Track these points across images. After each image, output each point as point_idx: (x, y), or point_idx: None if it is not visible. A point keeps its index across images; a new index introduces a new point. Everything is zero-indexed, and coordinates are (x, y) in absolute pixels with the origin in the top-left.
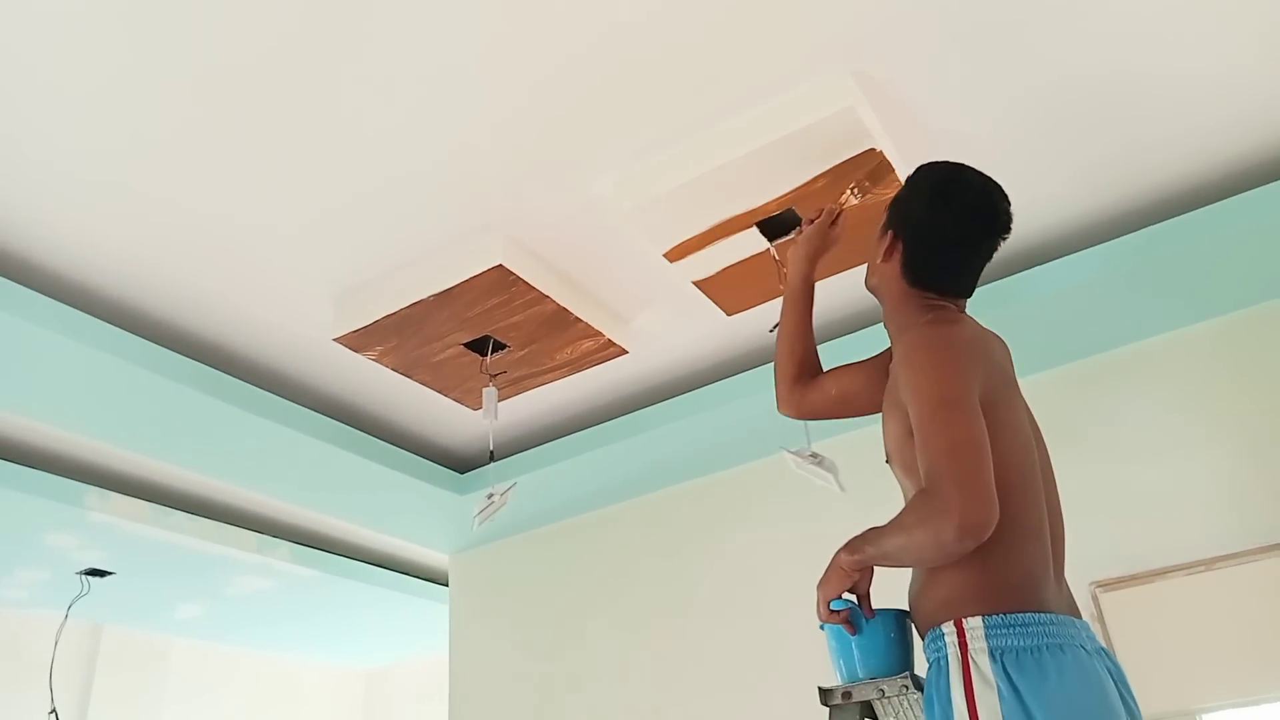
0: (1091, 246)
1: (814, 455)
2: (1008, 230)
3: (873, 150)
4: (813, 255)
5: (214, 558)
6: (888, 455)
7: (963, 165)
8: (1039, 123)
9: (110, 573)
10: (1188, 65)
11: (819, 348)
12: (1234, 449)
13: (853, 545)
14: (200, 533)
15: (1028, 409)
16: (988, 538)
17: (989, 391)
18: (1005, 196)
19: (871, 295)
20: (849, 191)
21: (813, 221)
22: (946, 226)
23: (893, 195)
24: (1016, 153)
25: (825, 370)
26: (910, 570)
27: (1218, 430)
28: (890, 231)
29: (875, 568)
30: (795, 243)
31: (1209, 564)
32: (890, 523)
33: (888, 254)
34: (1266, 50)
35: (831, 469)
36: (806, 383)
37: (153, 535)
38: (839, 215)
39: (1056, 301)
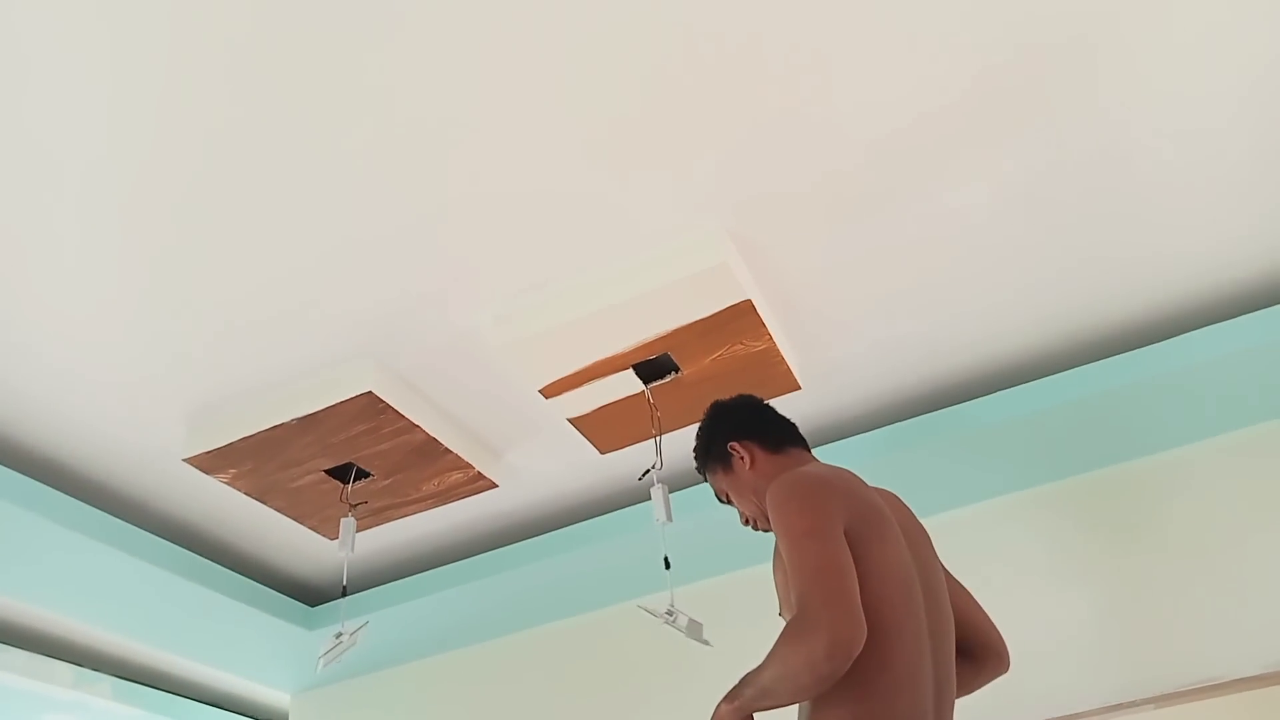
0: (940, 409)
1: (668, 613)
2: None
3: (746, 302)
4: None
5: (20, 693)
6: (780, 607)
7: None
8: (898, 302)
9: None
10: (1008, 258)
11: None
12: (1087, 607)
13: (732, 693)
14: (7, 665)
15: (929, 561)
16: (853, 688)
17: (854, 527)
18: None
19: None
20: None
21: None
22: (749, 410)
23: (699, 460)
24: (878, 322)
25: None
26: None
27: (1070, 588)
28: (731, 445)
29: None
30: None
31: None
32: (765, 658)
33: (748, 459)
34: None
35: (692, 630)
36: None
37: None
38: None
39: (903, 461)
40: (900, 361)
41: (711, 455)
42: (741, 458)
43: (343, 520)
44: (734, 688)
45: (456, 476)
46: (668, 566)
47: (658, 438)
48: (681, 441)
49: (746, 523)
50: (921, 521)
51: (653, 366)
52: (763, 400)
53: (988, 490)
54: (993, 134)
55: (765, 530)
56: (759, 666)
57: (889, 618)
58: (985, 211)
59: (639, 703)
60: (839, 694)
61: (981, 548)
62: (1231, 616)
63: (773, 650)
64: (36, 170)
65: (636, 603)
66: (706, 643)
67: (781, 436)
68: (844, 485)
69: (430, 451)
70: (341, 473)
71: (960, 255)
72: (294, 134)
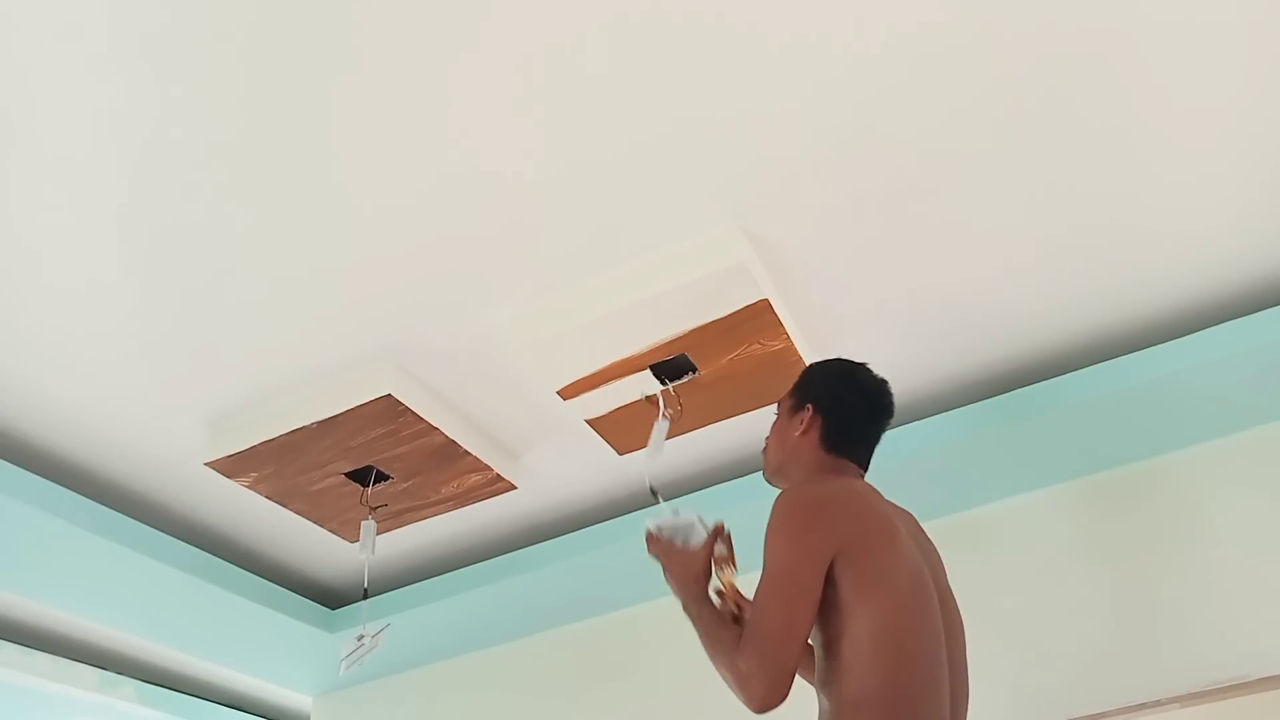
0: (958, 408)
1: (675, 512)
2: (891, 417)
3: (763, 301)
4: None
5: (46, 697)
6: None
7: (860, 363)
8: (915, 302)
9: None
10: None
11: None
12: (1110, 604)
13: (688, 604)
14: (33, 668)
15: (941, 576)
16: (875, 694)
17: (858, 540)
18: (890, 391)
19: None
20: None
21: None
22: (857, 403)
23: (797, 379)
24: (894, 321)
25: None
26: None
27: (1093, 586)
28: (809, 406)
29: None
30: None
31: None
32: (718, 637)
33: (804, 428)
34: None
35: (696, 518)
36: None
37: None
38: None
39: (922, 458)
40: (916, 361)
41: (800, 395)
42: (802, 421)
43: (363, 523)
44: (693, 602)
45: (475, 479)
46: (654, 496)
47: (667, 418)
48: (699, 441)
49: (763, 452)
50: (942, 519)
51: (670, 367)
52: (886, 406)
53: (1007, 489)
54: (1013, 135)
55: (768, 481)
56: (711, 633)
57: (906, 621)
58: (1002, 211)
59: (659, 703)
60: (863, 698)
61: (1001, 547)
62: (1257, 614)
63: (724, 647)
64: (46, 170)
65: (643, 518)
66: (704, 524)
67: (847, 444)
68: (851, 499)
69: (449, 454)
70: (361, 475)
71: (977, 254)
72: (309, 135)
